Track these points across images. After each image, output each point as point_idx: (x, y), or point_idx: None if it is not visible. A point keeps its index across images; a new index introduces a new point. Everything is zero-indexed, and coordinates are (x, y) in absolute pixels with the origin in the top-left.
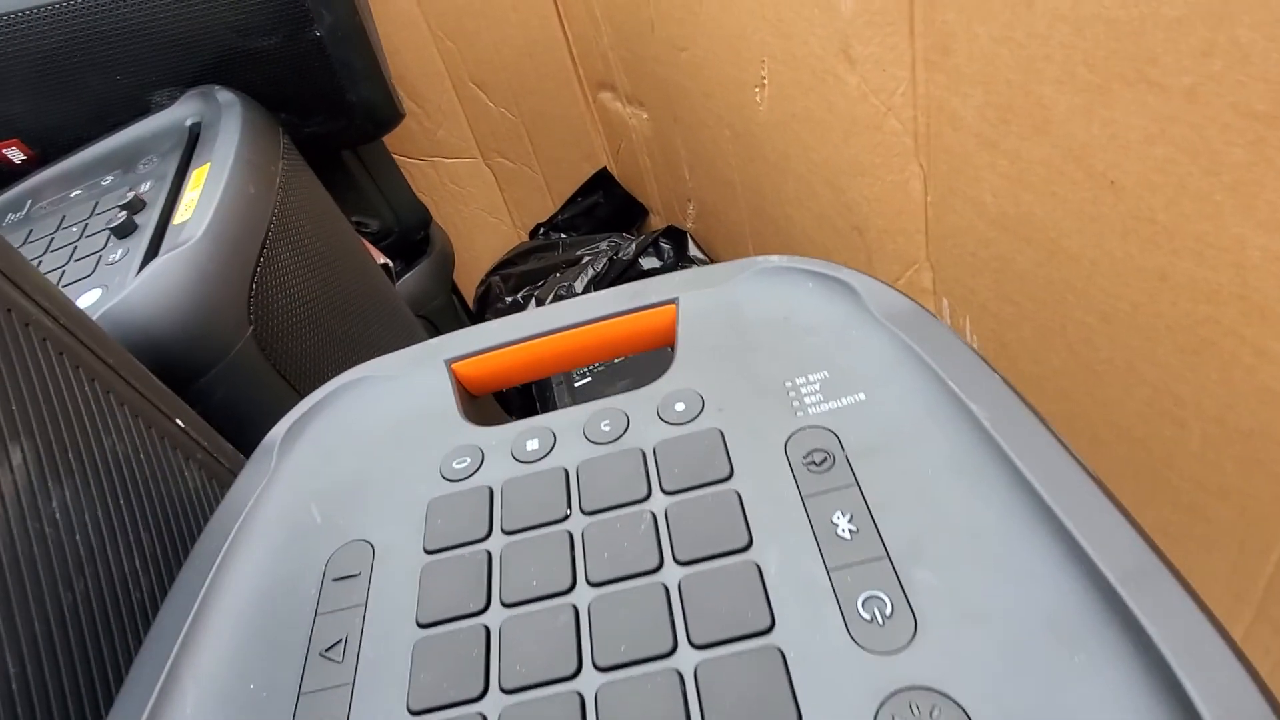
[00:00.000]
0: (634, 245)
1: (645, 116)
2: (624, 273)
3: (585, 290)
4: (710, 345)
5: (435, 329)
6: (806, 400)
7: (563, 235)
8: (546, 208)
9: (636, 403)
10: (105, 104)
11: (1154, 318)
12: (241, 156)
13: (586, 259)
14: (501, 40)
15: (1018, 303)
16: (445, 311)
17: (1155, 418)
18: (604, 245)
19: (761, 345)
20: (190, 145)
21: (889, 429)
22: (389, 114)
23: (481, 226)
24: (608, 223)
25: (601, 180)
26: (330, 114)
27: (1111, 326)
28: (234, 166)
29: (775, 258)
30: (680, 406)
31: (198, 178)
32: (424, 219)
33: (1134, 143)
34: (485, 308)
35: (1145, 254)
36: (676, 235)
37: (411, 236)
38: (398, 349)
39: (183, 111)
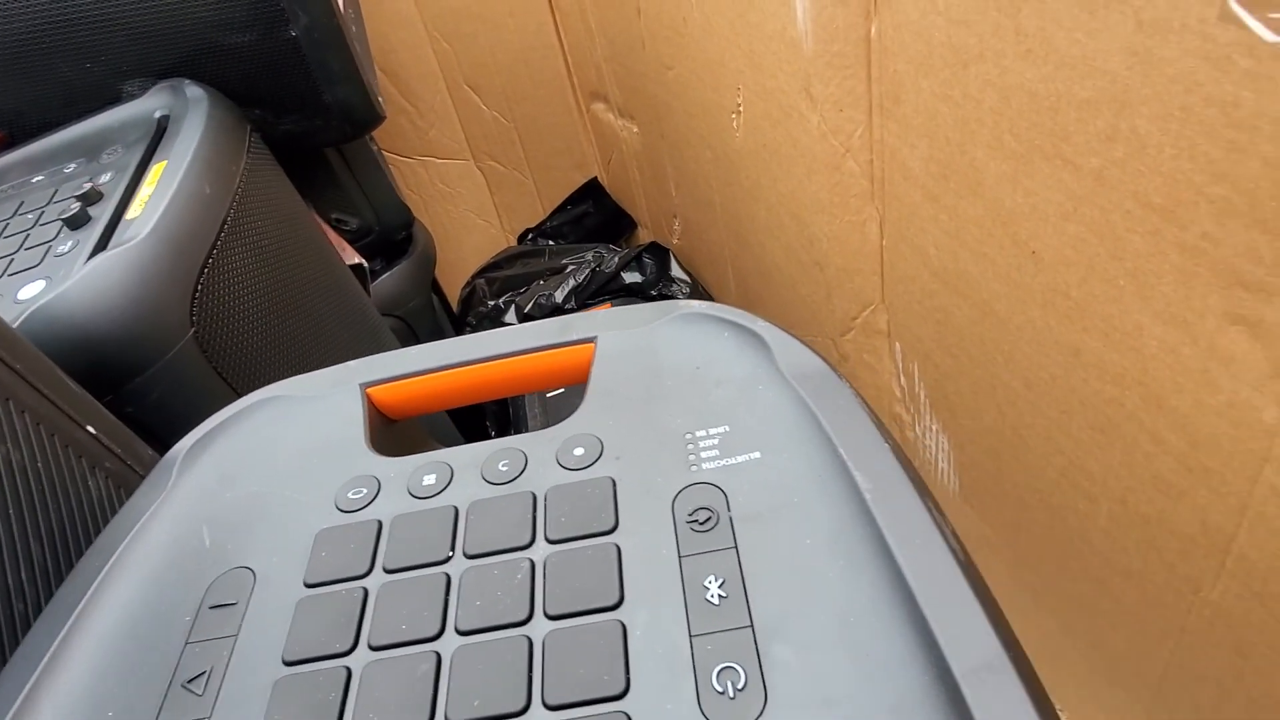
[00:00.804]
0: (618, 258)
1: (635, 130)
2: (605, 285)
3: (566, 300)
4: (620, 389)
5: (410, 329)
6: (703, 454)
7: (550, 242)
8: (536, 213)
9: (538, 444)
10: (76, 90)
11: (1068, 392)
12: (200, 155)
13: (570, 268)
14: (497, 44)
15: (956, 356)
16: (423, 312)
17: (1069, 489)
18: (589, 256)
19: (670, 394)
20: (156, 138)
21: (777, 493)
22: (367, 116)
23: (470, 228)
24: (596, 232)
25: (591, 190)
26: (305, 113)
27: (1033, 394)
28: (190, 165)
29: (697, 304)
30: (579, 451)
31: (155, 174)
32: (406, 219)
33: (1051, 216)
34: (469, 310)
35: (1062, 327)
36: (660, 252)
37: (392, 236)
38: (357, 353)
39: (152, 103)
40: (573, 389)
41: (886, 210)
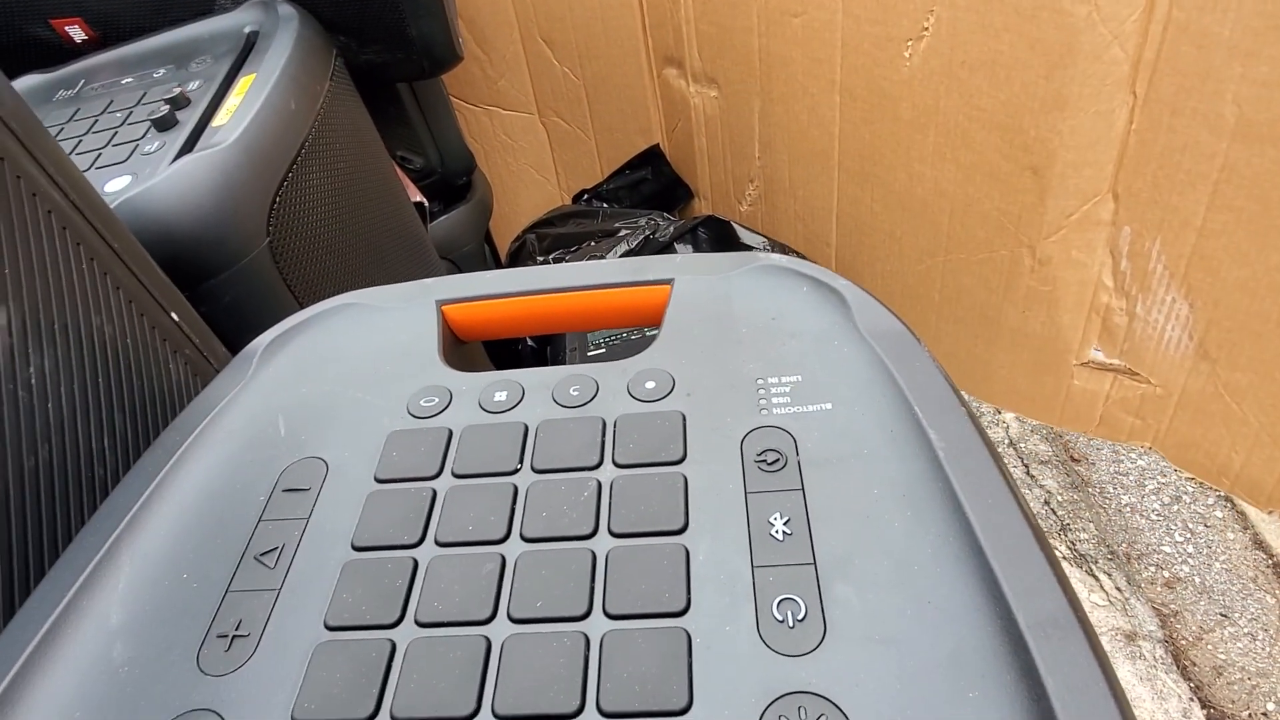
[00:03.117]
0: (672, 228)
1: (713, 95)
2: (657, 254)
3: None
4: (695, 331)
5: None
6: (774, 400)
7: (605, 205)
8: (594, 174)
9: (609, 374)
10: None
11: None
12: (288, 71)
13: (624, 233)
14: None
15: (1238, 209)
16: (474, 258)
17: None
18: (643, 222)
19: (744, 340)
20: (244, 52)
21: (847, 442)
22: (446, 54)
23: (528, 182)
24: (651, 200)
25: (652, 156)
26: (388, 44)
27: None
28: (279, 80)
29: (776, 256)
30: (650, 384)
31: (243, 85)
32: (468, 165)
33: None
34: (517, 263)
35: None
36: (717, 225)
37: (454, 180)
38: None
39: (243, 18)
40: (616, 351)
41: (1151, 90)
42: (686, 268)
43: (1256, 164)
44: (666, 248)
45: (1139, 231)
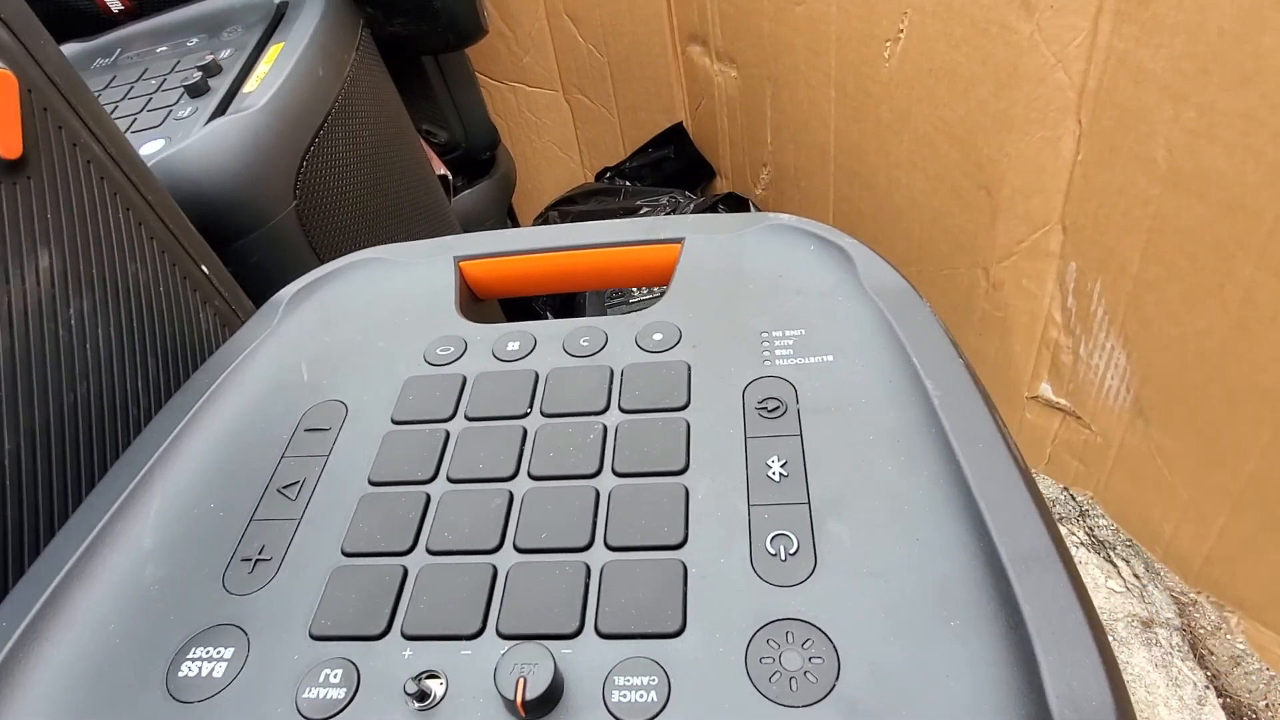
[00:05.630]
0: (693, 206)
1: (734, 75)
2: None
3: None
4: (703, 287)
5: None
6: (777, 352)
7: (627, 183)
8: (617, 153)
9: (618, 326)
10: None
11: None
12: (316, 40)
13: (645, 210)
14: None
15: (1170, 263)
16: None
17: None
18: (664, 200)
19: (750, 296)
20: (274, 22)
21: (846, 392)
22: (472, 27)
23: (551, 160)
24: (674, 178)
25: (675, 135)
26: (415, 16)
27: None
28: (307, 48)
29: (785, 216)
30: (658, 336)
31: (272, 53)
32: (493, 140)
33: None
34: None
35: None
36: (738, 202)
37: (477, 155)
38: None
39: None
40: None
41: (1094, 122)
42: (697, 227)
43: (1186, 217)
44: None
45: (1083, 269)
